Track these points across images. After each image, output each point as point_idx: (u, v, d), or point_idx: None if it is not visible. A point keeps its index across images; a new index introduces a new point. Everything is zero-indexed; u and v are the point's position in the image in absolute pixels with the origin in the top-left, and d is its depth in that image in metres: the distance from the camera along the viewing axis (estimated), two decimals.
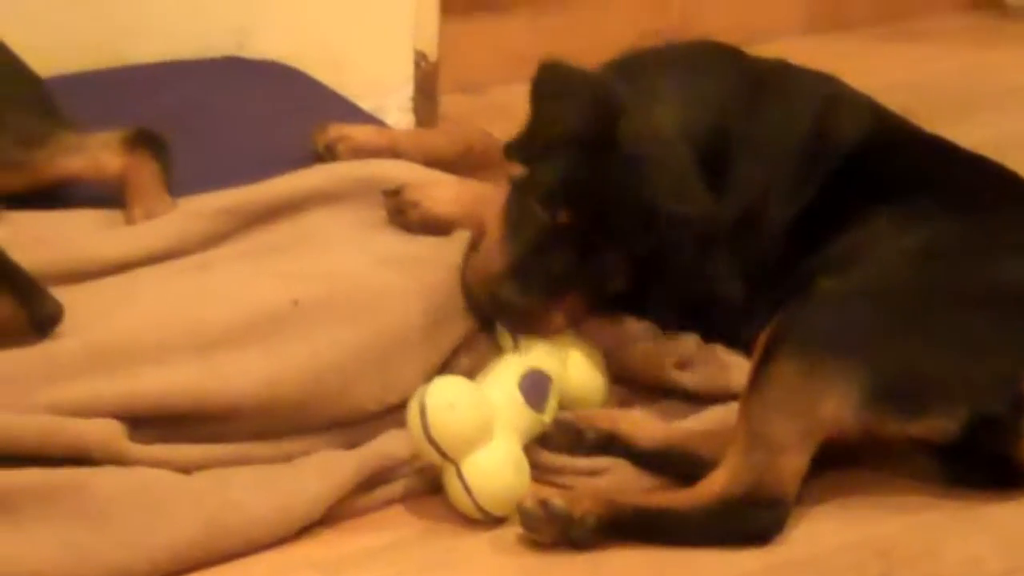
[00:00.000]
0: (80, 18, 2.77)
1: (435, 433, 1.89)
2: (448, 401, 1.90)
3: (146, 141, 2.30)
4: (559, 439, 2.02)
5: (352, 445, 1.97)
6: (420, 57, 3.05)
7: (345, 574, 1.84)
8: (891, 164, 2.18)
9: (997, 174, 2.21)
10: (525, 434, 1.97)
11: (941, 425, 1.94)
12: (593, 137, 2.04)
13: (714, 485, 1.90)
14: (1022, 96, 3.41)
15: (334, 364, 1.97)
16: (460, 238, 2.17)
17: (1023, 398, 1.94)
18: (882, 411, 1.92)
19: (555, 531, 1.86)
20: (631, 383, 2.14)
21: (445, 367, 2.06)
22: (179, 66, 2.83)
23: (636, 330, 2.14)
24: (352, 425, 1.99)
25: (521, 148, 2.13)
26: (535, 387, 1.99)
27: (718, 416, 2.06)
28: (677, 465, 1.99)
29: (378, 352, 2.01)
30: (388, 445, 1.96)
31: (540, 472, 1.99)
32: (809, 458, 1.92)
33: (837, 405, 1.91)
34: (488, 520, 1.91)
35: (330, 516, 1.89)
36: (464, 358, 2.09)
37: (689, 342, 2.15)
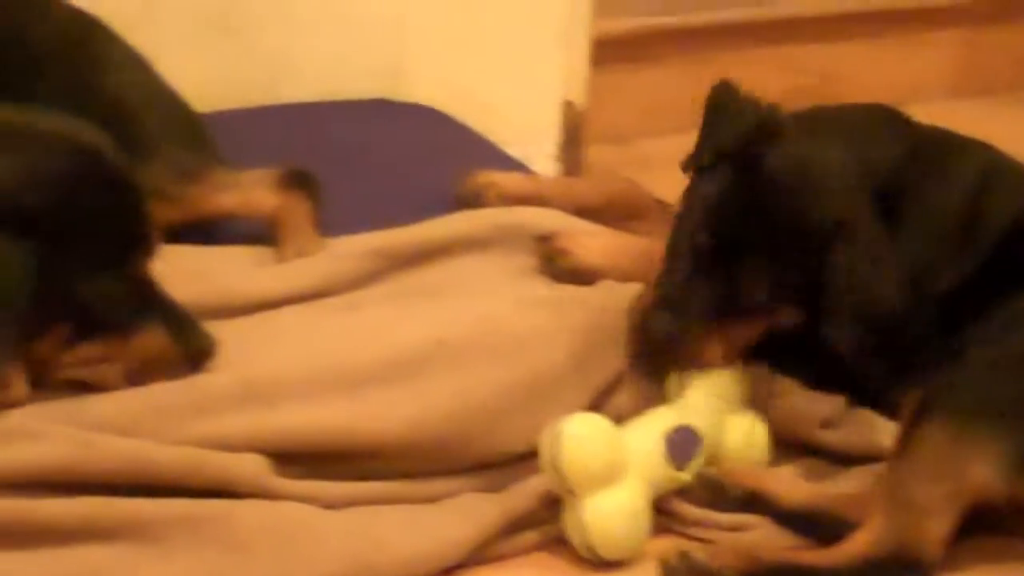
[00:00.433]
0: (238, 56, 2.82)
1: (563, 463, 1.89)
2: (581, 434, 1.90)
3: (299, 180, 2.33)
4: (701, 494, 2.01)
5: (498, 488, 1.97)
6: (568, 106, 3.06)
7: None
8: None
9: None
10: (656, 487, 1.95)
11: None
12: (744, 156, 2.05)
13: (857, 545, 1.88)
14: None
15: (480, 404, 1.98)
16: (607, 287, 2.17)
17: None
18: None
19: None
20: (775, 439, 2.12)
21: (595, 409, 2.04)
22: (331, 106, 2.87)
23: (783, 386, 2.12)
24: (498, 467, 1.99)
25: (688, 162, 2.14)
26: (681, 443, 1.98)
27: (863, 477, 2.03)
28: (821, 526, 1.97)
29: (524, 392, 2.01)
30: (534, 489, 1.95)
31: (681, 524, 1.98)
32: (955, 524, 1.89)
33: (985, 471, 1.89)
34: (596, 562, 1.91)
35: (473, 559, 1.89)
36: (616, 398, 2.08)
37: (836, 400, 2.13)
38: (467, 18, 2.94)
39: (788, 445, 2.12)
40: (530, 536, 1.94)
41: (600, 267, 2.22)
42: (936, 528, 1.88)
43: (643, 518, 1.92)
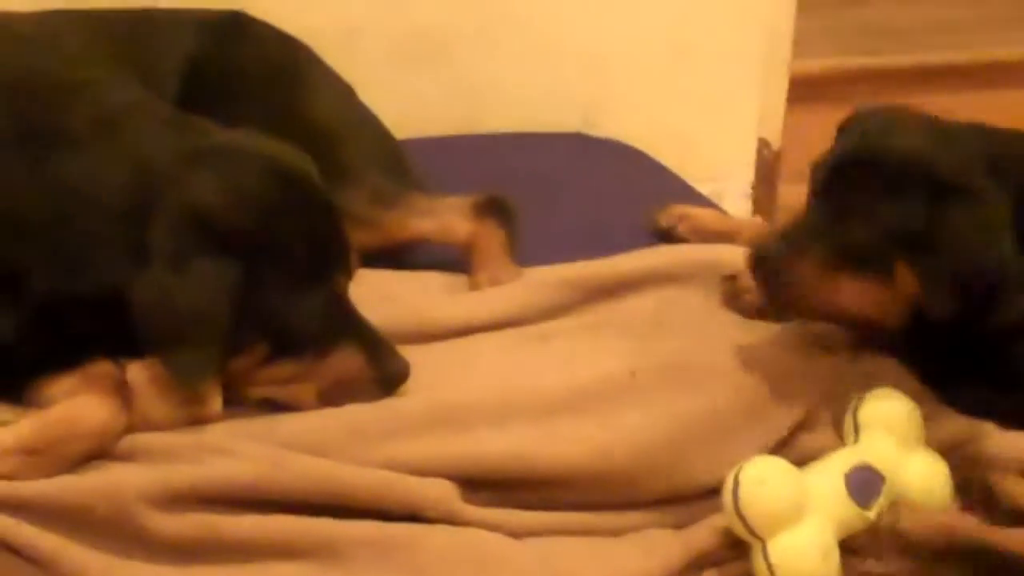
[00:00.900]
0: (437, 86, 2.85)
1: (744, 507, 1.86)
2: (760, 477, 1.88)
3: (495, 208, 2.34)
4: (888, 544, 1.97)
5: (681, 524, 1.94)
6: (763, 144, 3.05)
7: None
8: None
9: None
10: (843, 526, 1.92)
11: None
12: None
13: None
14: None
15: (668, 436, 1.96)
16: (794, 327, 2.15)
17: None
18: None
19: None
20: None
21: (783, 446, 2.02)
22: (528, 138, 2.88)
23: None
24: (682, 502, 1.97)
25: None
26: (863, 482, 1.95)
27: None
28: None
29: (712, 427, 1.99)
30: (716, 527, 1.93)
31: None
32: None
33: None
34: None
35: None
36: (805, 436, 2.05)
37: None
38: (667, 55, 2.95)
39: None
40: (717, 572, 1.92)
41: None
42: None
43: (833, 555, 1.88)
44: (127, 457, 1.85)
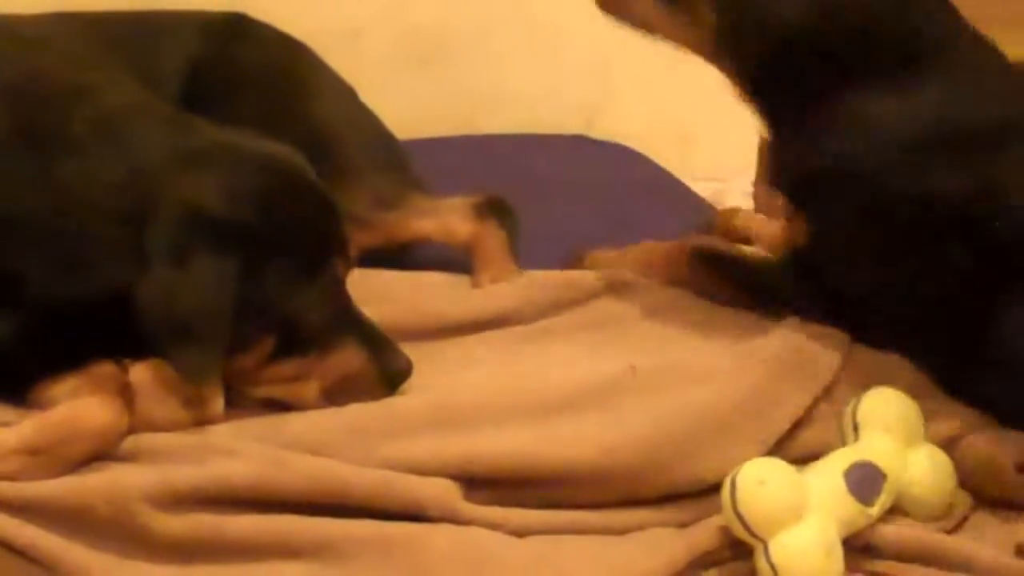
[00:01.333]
0: (440, 87, 2.86)
1: (743, 509, 1.86)
2: (758, 477, 1.86)
3: (495, 209, 2.35)
4: None
5: (685, 523, 1.94)
6: (764, 144, 3.04)
7: None
8: None
9: None
10: (846, 524, 1.91)
11: None
12: None
13: None
14: None
15: (670, 432, 1.96)
16: (795, 322, 2.16)
17: None
18: None
19: None
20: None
21: (784, 442, 2.02)
22: (529, 139, 2.89)
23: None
24: (686, 500, 1.97)
25: None
26: (863, 479, 1.94)
27: None
28: None
29: (714, 423, 1.98)
30: (719, 527, 1.92)
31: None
32: None
33: None
34: None
35: None
36: (805, 432, 2.05)
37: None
38: (668, 56, 2.94)
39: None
40: (720, 571, 1.90)
41: None
42: None
43: (836, 552, 1.87)
44: (129, 458, 1.85)
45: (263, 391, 1.95)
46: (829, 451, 2.00)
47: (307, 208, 1.94)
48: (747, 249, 2.43)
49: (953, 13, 2.14)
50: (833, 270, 2.14)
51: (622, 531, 1.92)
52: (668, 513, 1.95)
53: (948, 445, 2.05)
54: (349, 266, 1.99)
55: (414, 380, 1.99)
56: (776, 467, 1.91)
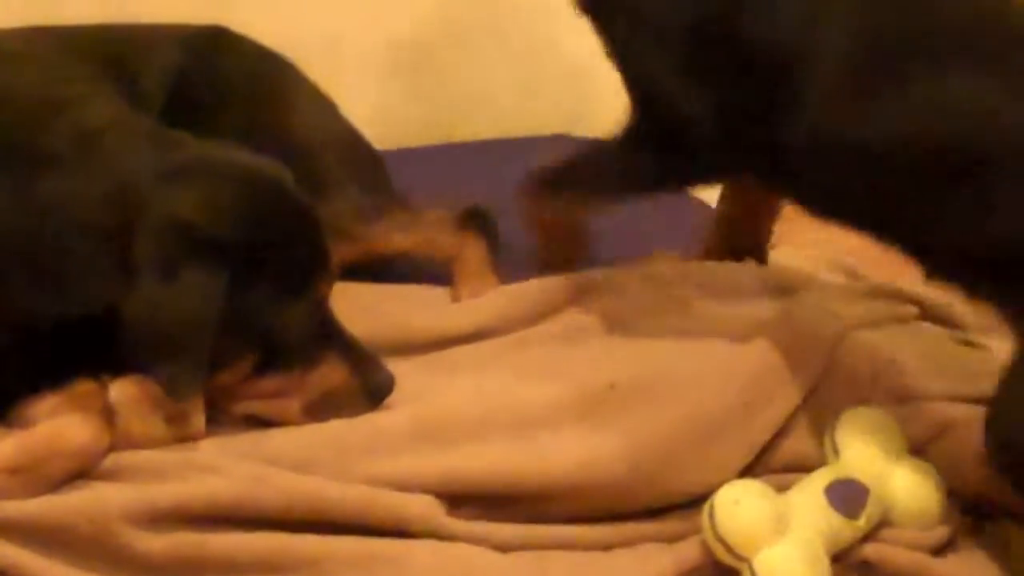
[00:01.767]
0: (415, 96, 2.85)
1: (722, 530, 1.87)
2: (733, 498, 1.88)
3: (476, 220, 2.35)
4: None
5: (671, 537, 1.94)
6: None
7: None
8: None
9: None
10: (832, 539, 1.91)
11: None
12: None
13: None
14: None
15: (652, 445, 1.95)
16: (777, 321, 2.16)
17: None
18: None
19: None
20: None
21: (767, 449, 2.03)
22: (510, 144, 2.88)
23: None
24: (672, 514, 1.97)
25: None
26: (845, 494, 1.94)
27: None
28: None
29: (696, 433, 1.98)
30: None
31: None
32: None
33: None
34: None
35: None
36: (787, 441, 2.05)
37: None
38: None
39: None
40: None
41: None
42: None
43: (820, 567, 1.88)
44: (111, 476, 1.84)
45: (245, 407, 1.95)
46: (811, 460, 2.01)
47: (291, 222, 1.94)
48: None
49: None
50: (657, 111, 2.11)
51: (608, 546, 1.93)
52: (655, 527, 1.96)
53: (924, 448, 2.05)
54: (331, 281, 1.99)
55: (396, 395, 1.99)
56: (751, 487, 1.91)
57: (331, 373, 1.96)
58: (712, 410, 2.01)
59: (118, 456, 1.86)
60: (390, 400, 1.98)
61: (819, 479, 1.96)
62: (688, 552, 1.91)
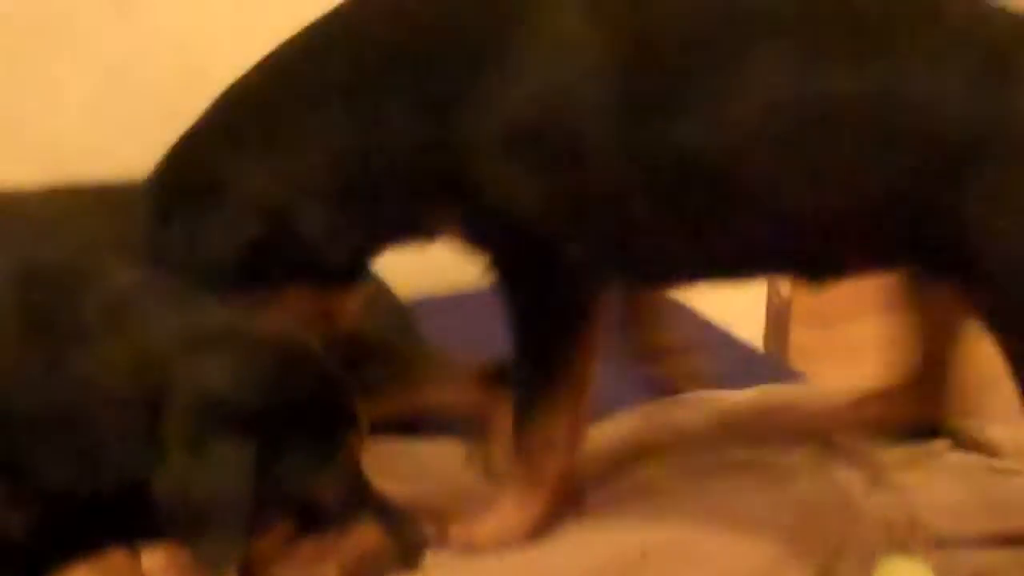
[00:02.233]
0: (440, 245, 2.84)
1: None
2: None
3: (503, 375, 2.33)
4: None
5: None
6: (773, 291, 3.05)
7: None
8: None
9: None
10: None
11: None
12: None
13: None
14: None
15: None
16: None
17: None
18: None
19: None
20: None
21: None
22: None
23: None
24: None
25: None
26: None
27: None
28: None
29: None
30: None
31: None
32: None
33: None
34: None
35: None
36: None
37: None
38: None
39: None
40: None
41: None
42: None
43: None
44: None
45: (280, 574, 1.93)
46: None
47: (319, 388, 1.93)
48: None
49: None
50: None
51: None
52: None
53: None
54: (362, 442, 1.98)
55: (431, 558, 1.97)
56: None
57: (367, 535, 1.94)
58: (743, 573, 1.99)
59: None
60: (426, 563, 1.97)
61: None
62: None
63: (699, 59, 1.89)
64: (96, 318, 1.90)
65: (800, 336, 3.07)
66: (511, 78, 1.90)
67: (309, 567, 1.93)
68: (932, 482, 2.22)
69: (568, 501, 2.09)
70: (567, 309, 2.01)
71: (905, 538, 2.09)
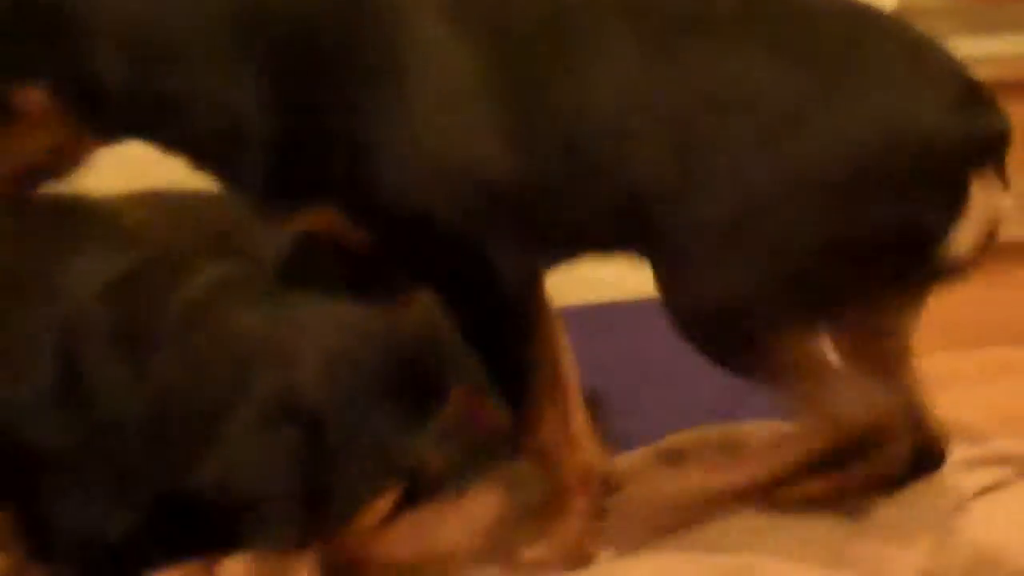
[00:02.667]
0: None
1: None
2: None
3: None
4: None
5: None
6: None
7: None
8: None
9: None
10: None
11: None
12: None
13: None
14: None
15: None
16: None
17: None
18: None
19: None
20: None
21: None
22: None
23: None
24: None
25: None
26: None
27: None
28: None
29: None
30: None
31: None
32: None
33: None
34: None
35: None
36: None
37: None
38: None
39: None
40: None
41: None
42: None
43: None
44: None
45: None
46: None
47: (405, 360, 1.92)
48: None
49: None
50: None
51: None
52: None
53: None
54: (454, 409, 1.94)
55: None
56: None
57: (485, 501, 1.93)
58: None
59: None
60: None
61: None
62: None
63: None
64: (177, 324, 1.93)
65: None
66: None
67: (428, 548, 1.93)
68: (1008, 513, 2.19)
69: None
70: (510, 298, 2.01)
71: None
